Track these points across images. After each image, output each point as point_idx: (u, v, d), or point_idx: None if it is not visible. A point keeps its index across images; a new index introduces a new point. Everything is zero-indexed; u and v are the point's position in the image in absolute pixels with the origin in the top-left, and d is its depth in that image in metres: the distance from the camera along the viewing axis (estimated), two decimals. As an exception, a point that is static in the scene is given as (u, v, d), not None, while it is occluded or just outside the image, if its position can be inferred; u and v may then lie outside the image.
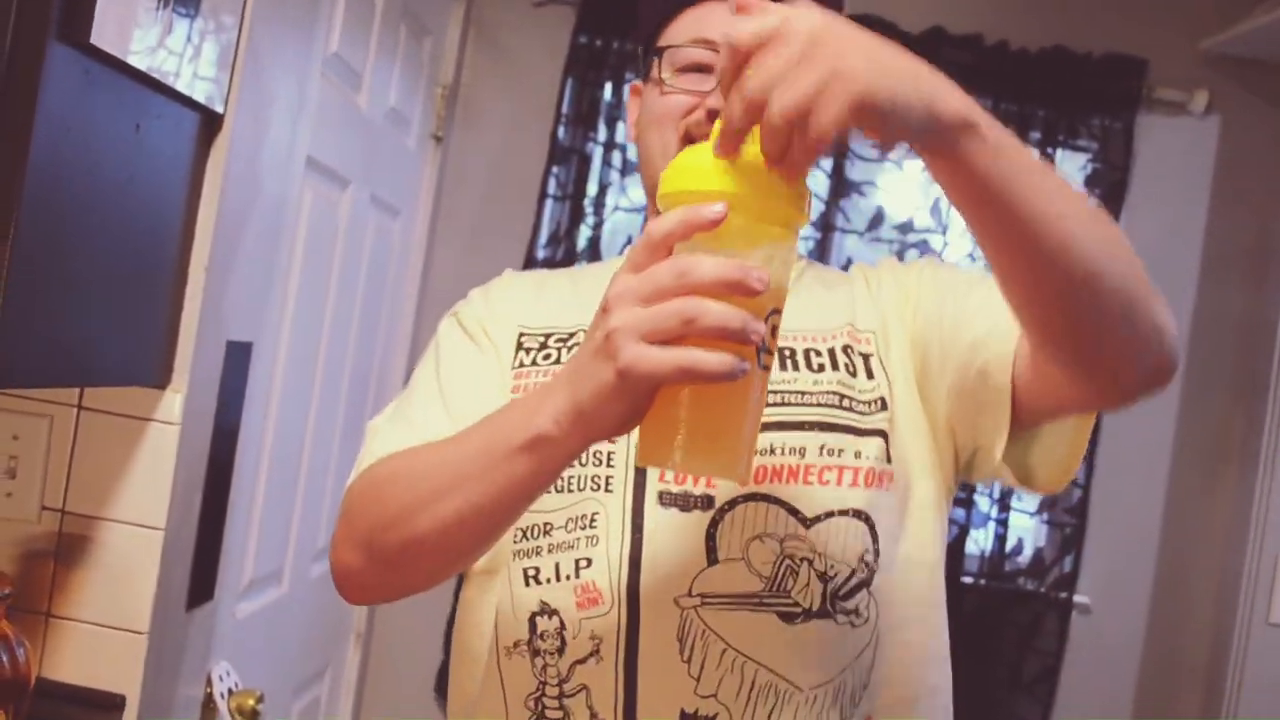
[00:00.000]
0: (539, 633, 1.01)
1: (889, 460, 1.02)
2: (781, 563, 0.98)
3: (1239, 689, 2.34)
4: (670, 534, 0.99)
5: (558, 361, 1.06)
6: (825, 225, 2.50)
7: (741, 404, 0.77)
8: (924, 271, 1.10)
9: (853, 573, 1.00)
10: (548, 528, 1.01)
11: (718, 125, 0.74)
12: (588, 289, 1.08)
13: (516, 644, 1.02)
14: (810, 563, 0.98)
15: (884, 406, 1.03)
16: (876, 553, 1.01)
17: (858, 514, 1.00)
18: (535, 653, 1.01)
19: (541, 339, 1.09)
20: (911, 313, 1.07)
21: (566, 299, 1.13)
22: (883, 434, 1.02)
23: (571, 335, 1.08)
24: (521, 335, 1.10)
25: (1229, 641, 2.37)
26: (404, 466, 0.95)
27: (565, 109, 2.49)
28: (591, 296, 1.05)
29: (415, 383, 1.11)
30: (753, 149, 0.74)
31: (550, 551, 1.01)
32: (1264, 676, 2.33)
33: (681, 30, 1.07)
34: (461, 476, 0.87)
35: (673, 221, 0.74)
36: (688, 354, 0.71)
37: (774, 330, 0.78)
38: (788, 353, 1.05)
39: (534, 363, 1.08)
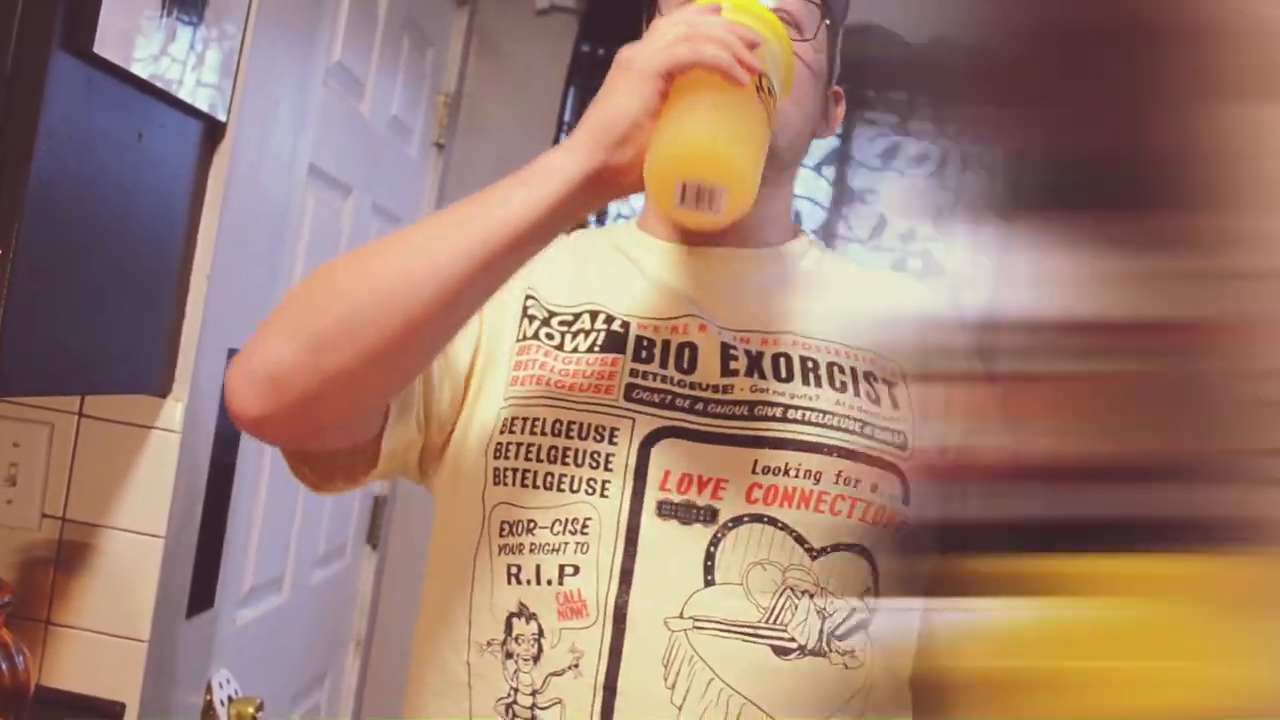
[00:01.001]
0: (514, 635, 0.95)
1: (906, 502, 0.97)
2: (782, 593, 0.93)
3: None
4: (667, 549, 0.93)
5: (560, 345, 1.00)
6: (827, 234, 2.50)
7: (744, 118, 0.83)
8: None
9: (852, 612, 0.95)
10: (531, 525, 0.95)
11: None
12: (594, 269, 1.05)
13: (490, 642, 0.96)
14: (811, 596, 0.94)
15: (904, 445, 0.99)
16: (877, 594, 0.96)
17: (862, 551, 0.96)
18: (509, 655, 0.95)
19: (546, 314, 1.03)
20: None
21: (569, 272, 1.06)
22: (901, 474, 0.98)
23: (576, 318, 1.02)
24: (528, 299, 1.03)
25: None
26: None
27: (567, 117, 2.49)
28: (594, 276, 1.05)
29: None
30: None
31: (532, 551, 0.95)
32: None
33: None
34: (442, 224, 0.85)
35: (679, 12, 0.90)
36: (689, 41, 0.82)
37: (770, 90, 0.87)
38: (810, 364, 1.00)
39: (536, 336, 1.01)
